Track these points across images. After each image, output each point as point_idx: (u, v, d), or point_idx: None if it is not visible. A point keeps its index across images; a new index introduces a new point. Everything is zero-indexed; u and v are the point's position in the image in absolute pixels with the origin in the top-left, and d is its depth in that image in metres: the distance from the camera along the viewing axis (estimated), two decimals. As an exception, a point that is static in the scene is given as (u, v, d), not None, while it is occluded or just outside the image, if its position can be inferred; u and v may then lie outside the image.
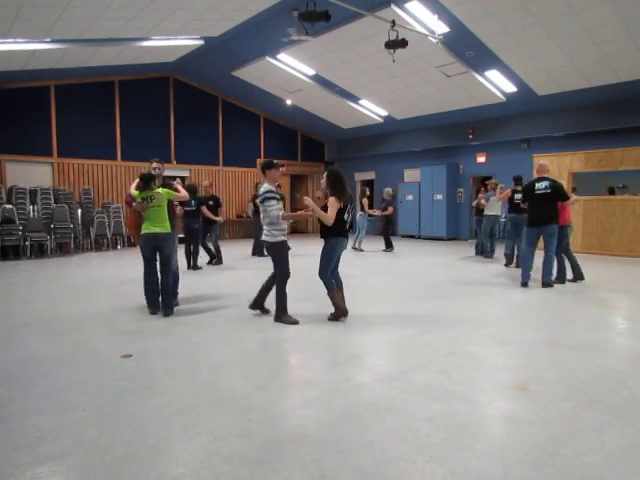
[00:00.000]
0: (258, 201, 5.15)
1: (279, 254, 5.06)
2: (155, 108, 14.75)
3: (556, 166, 11.70)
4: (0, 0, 7.38)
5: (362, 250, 11.93)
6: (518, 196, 9.00)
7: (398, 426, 2.76)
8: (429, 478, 2.25)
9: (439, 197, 15.31)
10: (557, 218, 6.89)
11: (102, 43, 10.40)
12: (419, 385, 3.37)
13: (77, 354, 4.12)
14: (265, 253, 10.92)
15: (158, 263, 5.50)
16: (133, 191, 5.56)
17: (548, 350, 4.16)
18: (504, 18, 8.88)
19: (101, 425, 2.81)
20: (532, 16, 8.62)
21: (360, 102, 14.44)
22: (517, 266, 9.13)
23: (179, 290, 6.06)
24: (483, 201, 10.57)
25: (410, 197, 16.20)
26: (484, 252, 10.71)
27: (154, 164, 6.07)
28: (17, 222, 10.92)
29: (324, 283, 5.09)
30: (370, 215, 12.23)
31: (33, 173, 12.66)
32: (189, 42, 11.46)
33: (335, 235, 5.06)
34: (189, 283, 7.73)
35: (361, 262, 10.31)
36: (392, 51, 8.48)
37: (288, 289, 5.10)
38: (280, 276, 5.07)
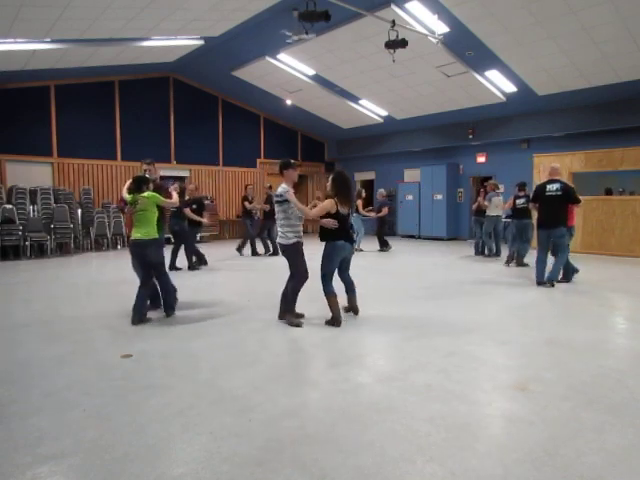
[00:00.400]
0: (275, 201, 4.98)
1: (293, 256, 4.93)
2: (155, 108, 14.75)
3: (556, 166, 11.71)
4: (0, 0, 7.38)
5: (362, 250, 11.94)
6: (520, 201, 9.04)
7: (398, 426, 2.76)
8: (429, 478, 2.25)
9: (439, 197, 15.31)
10: (566, 221, 6.94)
11: (102, 43, 10.40)
12: (419, 385, 3.37)
13: (77, 354, 4.13)
14: (261, 253, 11.32)
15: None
16: (125, 195, 5.42)
17: (548, 350, 4.16)
18: (504, 18, 8.88)
19: (101, 425, 2.81)
20: (532, 16, 8.62)
21: (360, 102, 14.44)
22: (518, 265, 9.22)
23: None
24: (486, 202, 10.58)
25: (410, 197, 16.20)
26: (489, 252, 10.72)
27: (144, 166, 5.87)
28: (17, 222, 10.91)
29: (323, 288, 4.98)
30: (364, 216, 12.23)
31: (33, 173, 12.65)
32: (189, 42, 11.46)
33: (334, 239, 4.93)
34: (187, 283, 7.73)
35: (361, 262, 10.30)
36: (392, 51, 8.48)
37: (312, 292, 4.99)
38: (296, 277, 4.95)
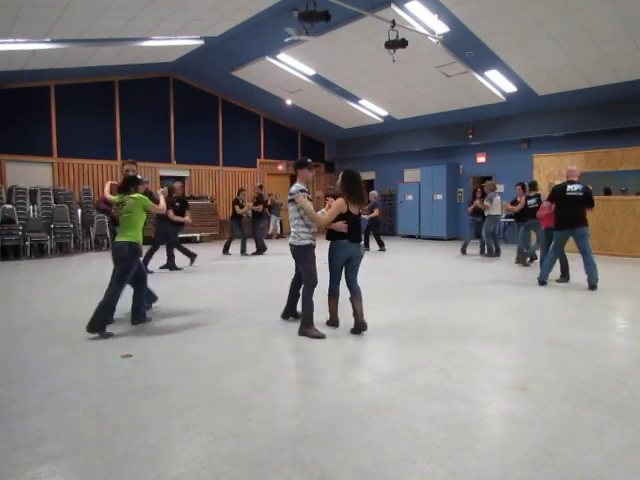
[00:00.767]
0: (288, 199, 4.73)
1: (305, 258, 4.67)
2: (155, 108, 14.75)
3: (556, 166, 11.71)
4: (0, 0, 7.38)
5: None
6: (532, 201, 9.04)
7: (398, 426, 2.76)
8: (429, 478, 2.25)
9: (439, 197, 15.30)
10: (586, 221, 6.95)
11: (102, 43, 10.40)
12: (419, 385, 3.37)
13: (77, 354, 4.13)
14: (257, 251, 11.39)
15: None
16: (109, 195, 5.12)
17: (548, 350, 4.16)
18: (504, 18, 8.88)
19: (101, 425, 2.81)
20: (532, 16, 8.62)
21: (360, 102, 14.43)
22: (522, 263, 9.38)
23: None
24: (486, 202, 10.56)
25: (410, 197, 16.19)
26: (489, 252, 10.72)
27: (127, 166, 5.40)
28: (17, 222, 10.91)
29: (328, 287, 4.80)
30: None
31: (33, 173, 12.65)
32: (189, 42, 11.46)
33: (338, 237, 4.65)
34: (185, 284, 7.74)
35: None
36: (392, 51, 8.48)
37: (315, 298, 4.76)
38: (307, 281, 4.68)
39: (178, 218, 8.90)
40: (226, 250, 11.51)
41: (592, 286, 6.84)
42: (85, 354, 4.12)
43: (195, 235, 14.78)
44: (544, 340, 4.43)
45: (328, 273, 4.78)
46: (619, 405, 3.03)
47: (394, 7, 9.02)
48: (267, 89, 14.57)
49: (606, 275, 7.05)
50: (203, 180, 15.84)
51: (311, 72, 12.83)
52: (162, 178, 14.42)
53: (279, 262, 10.02)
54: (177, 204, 9.13)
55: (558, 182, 7.90)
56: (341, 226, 4.57)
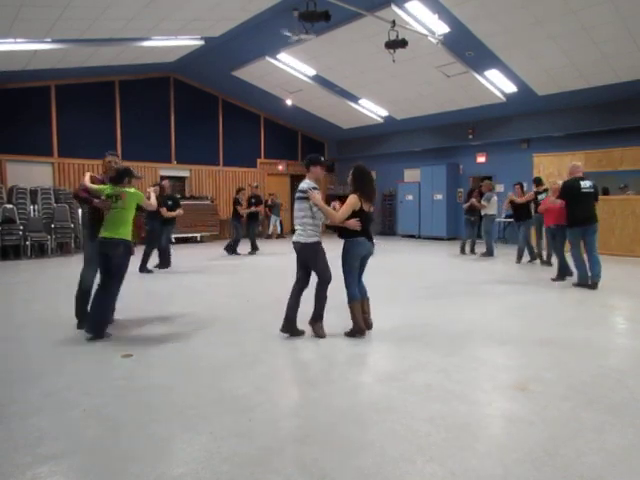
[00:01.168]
0: (297, 197, 4.58)
1: (315, 256, 4.52)
2: (155, 108, 14.75)
3: (556, 166, 11.71)
4: (0, 0, 7.38)
5: None
6: (541, 196, 9.04)
7: (398, 426, 2.76)
8: (429, 478, 2.25)
9: (439, 197, 15.30)
10: (597, 216, 6.99)
11: (102, 43, 10.41)
12: (419, 385, 3.37)
13: (77, 354, 4.13)
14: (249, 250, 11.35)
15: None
16: (91, 184, 4.68)
17: (548, 350, 4.16)
18: (504, 18, 8.88)
19: (101, 425, 2.81)
20: (532, 16, 8.62)
21: (360, 102, 14.43)
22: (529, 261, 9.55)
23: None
24: (484, 202, 10.59)
25: (410, 197, 16.20)
26: (488, 252, 10.72)
27: (109, 157, 4.97)
28: (18, 222, 10.92)
29: (347, 293, 4.55)
30: None
31: (34, 173, 12.66)
32: (189, 42, 11.46)
33: (354, 235, 4.50)
34: (185, 284, 7.74)
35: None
36: (392, 51, 8.48)
37: (305, 292, 4.68)
38: (321, 279, 4.55)
39: (170, 213, 8.95)
40: (234, 251, 11.30)
41: (594, 284, 6.84)
42: (85, 354, 4.12)
43: (195, 235, 14.79)
44: (544, 340, 4.43)
45: (343, 276, 4.57)
46: (619, 405, 3.03)
47: (394, 7, 9.02)
48: (267, 89, 14.58)
49: (606, 275, 7.04)
50: (203, 180, 15.84)
51: (311, 72, 12.83)
52: (162, 178, 14.41)
53: (279, 262, 10.03)
54: (169, 202, 9.12)
55: (559, 181, 7.87)
56: (355, 224, 4.45)
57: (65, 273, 9.02)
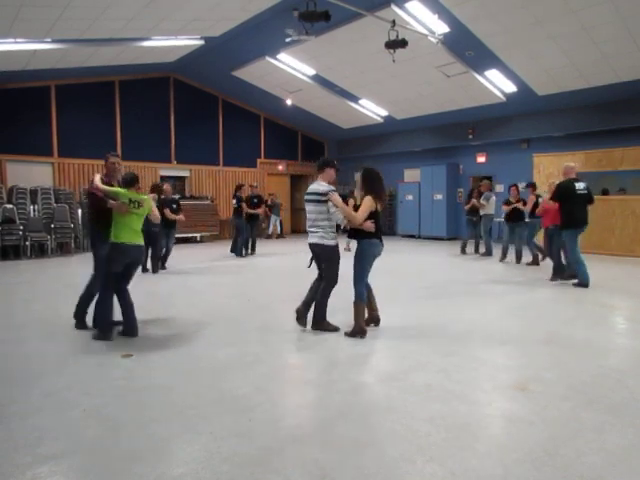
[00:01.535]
0: (316, 200, 4.60)
1: (333, 258, 4.66)
2: (155, 108, 14.75)
3: (556, 166, 11.70)
4: (0, 0, 7.38)
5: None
6: (538, 200, 9.08)
7: (398, 426, 2.76)
8: (429, 478, 2.25)
9: (439, 197, 15.31)
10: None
11: (102, 43, 10.40)
12: (419, 385, 3.37)
13: (77, 354, 4.13)
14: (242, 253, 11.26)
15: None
16: (105, 187, 4.58)
17: (548, 350, 4.16)
18: (504, 18, 8.88)
19: (101, 425, 2.81)
20: (532, 16, 8.62)
21: (360, 102, 14.43)
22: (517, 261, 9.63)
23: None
24: (483, 202, 10.61)
25: (410, 197, 16.20)
26: (487, 252, 10.72)
27: (112, 159, 4.93)
28: (17, 222, 10.92)
29: (356, 292, 4.57)
30: None
31: (33, 173, 12.65)
32: (189, 42, 11.46)
33: (369, 236, 4.53)
34: (185, 284, 7.73)
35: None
36: (392, 51, 8.48)
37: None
38: (328, 281, 4.68)
39: (173, 216, 8.98)
40: (241, 252, 11.00)
41: (571, 276, 7.07)
42: (85, 354, 4.13)
43: (195, 235, 14.79)
44: (544, 340, 4.43)
45: (357, 276, 4.56)
46: (619, 405, 3.04)
47: (394, 7, 9.02)
48: (267, 89, 14.58)
49: (606, 275, 7.06)
50: (203, 180, 15.84)
51: (311, 72, 12.83)
52: (162, 178, 14.42)
53: (279, 262, 10.03)
54: (174, 206, 9.14)
55: (557, 181, 7.86)
56: (370, 226, 4.49)
57: (65, 273, 9.03)
